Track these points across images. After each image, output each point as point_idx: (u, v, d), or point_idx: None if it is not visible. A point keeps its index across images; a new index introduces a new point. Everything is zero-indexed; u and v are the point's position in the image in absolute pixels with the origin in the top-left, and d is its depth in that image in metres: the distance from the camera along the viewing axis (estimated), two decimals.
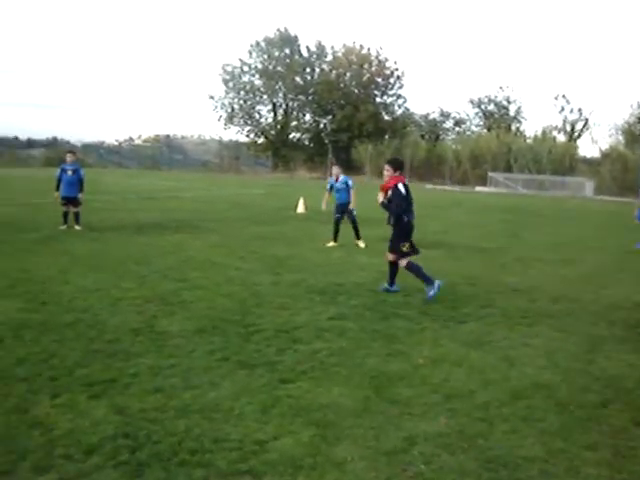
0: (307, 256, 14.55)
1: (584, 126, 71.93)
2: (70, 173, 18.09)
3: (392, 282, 11.03)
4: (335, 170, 17.04)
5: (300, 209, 25.11)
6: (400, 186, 10.68)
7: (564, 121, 73.38)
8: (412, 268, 10.72)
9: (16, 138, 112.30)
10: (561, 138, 70.75)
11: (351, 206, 16.48)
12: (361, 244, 16.46)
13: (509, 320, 9.36)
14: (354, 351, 7.58)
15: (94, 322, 8.34)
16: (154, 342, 7.61)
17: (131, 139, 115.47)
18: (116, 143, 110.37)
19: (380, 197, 10.79)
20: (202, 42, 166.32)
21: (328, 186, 17.01)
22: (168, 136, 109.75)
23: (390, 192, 10.66)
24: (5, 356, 6.90)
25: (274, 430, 5.36)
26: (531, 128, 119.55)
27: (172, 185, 43.18)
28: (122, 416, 5.51)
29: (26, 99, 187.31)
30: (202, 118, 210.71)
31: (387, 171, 10.93)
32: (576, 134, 71.89)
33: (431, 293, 10.39)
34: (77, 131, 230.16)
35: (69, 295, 9.77)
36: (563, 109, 73.46)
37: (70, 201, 18.04)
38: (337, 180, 16.74)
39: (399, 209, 10.59)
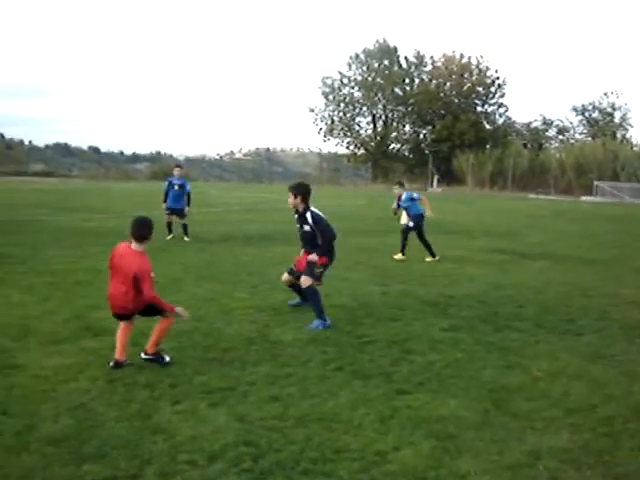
0: (414, 267, 14.46)
1: None
2: (177, 188, 18.48)
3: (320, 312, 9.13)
4: (395, 190, 16.45)
5: (404, 220, 24.85)
6: (313, 210, 9.29)
7: None
8: (315, 293, 9.12)
9: (121, 153, 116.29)
10: None
11: (404, 220, 16.28)
12: (427, 259, 15.69)
13: (628, 333, 9.05)
14: (469, 363, 7.46)
15: (209, 330, 8.50)
16: (269, 351, 7.69)
17: (232, 153, 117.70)
18: (217, 157, 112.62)
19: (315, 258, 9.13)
20: (301, 56, 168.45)
21: (395, 205, 16.55)
22: (268, 149, 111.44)
23: (310, 221, 9.17)
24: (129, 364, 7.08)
25: (394, 441, 5.31)
26: (638, 135, 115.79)
27: (274, 197, 43.67)
28: (242, 424, 5.57)
29: (131, 116, 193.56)
30: (301, 131, 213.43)
31: (290, 198, 9.29)
32: None
33: (315, 325, 8.89)
34: (180, 145, 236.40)
35: (184, 303, 9.84)
36: None
37: (175, 212, 18.49)
38: (399, 199, 16.27)
39: (332, 230, 9.24)
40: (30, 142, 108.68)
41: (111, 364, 6.93)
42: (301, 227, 9.35)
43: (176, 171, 19.07)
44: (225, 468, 4.81)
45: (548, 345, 8.33)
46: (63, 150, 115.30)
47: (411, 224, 16.16)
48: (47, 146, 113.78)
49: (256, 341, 8.08)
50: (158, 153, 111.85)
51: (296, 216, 9.44)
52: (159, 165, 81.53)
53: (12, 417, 5.66)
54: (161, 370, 6.87)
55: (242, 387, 6.45)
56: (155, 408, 5.88)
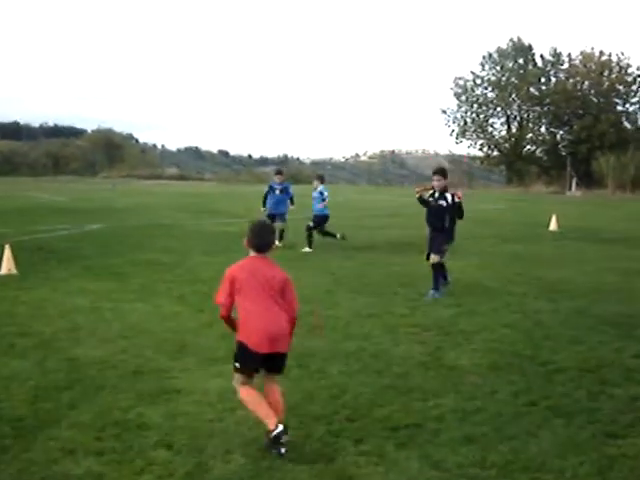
0: (577, 279, 13.36)
1: None
2: (278, 192, 18.43)
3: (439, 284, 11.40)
4: (315, 183, 18.63)
5: (553, 226, 23.61)
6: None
7: None
8: (442, 267, 11.40)
9: (249, 156, 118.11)
10: None
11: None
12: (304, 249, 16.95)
13: None
14: None
15: (377, 352, 7.86)
16: (448, 379, 6.96)
17: (357, 155, 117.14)
18: (342, 160, 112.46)
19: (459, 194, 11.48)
20: (432, 56, 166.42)
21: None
22: (393, 151, 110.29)
23: (456, 201, 11.30)
24: (294, 389, 6.47)
25: None
26: None
27: (405, 201, 42.84)
28: (439, 472, 4.86)
29: (258, 119, 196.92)
30: (426, 132, 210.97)
31: (439, 181, 11.37)
32: None
33: (432, 294, 11.04)
34: (306, 148, 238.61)
35: (343, 319, 9.39)
36: None
37: (276, 218, 17.87)
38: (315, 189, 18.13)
39: (463, 211, 11.55)
40: (163, 146, 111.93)
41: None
42: (436, 201, 11.37)
43: (277, 178, 18.98)
44: None
45: None
46: (194, 154, 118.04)
47: (311, 224, 17.48)
48: (179, 150, 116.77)
49: (430, 365, 7.37)
50: (285, 156, 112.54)
51: (433, 192, 11.53)
52: (287, 168, 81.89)
53: (179, 454, 5.16)
54: (333, 399, 6.27)
55: (430, 424, 5.73)
56: (335, 447, 5.25)
